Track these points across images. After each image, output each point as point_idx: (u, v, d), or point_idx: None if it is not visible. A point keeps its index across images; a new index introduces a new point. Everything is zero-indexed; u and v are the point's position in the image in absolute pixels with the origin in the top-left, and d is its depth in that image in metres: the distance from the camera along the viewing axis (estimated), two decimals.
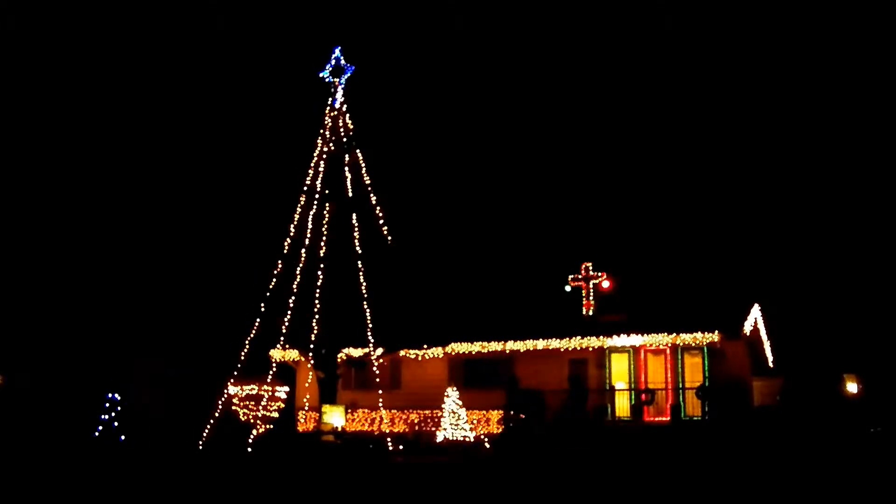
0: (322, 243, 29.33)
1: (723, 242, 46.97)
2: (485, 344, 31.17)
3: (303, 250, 29.50)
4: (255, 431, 28.28)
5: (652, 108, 64.85)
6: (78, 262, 46.28)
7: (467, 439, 27.80)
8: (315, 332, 28.49)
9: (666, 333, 28.98)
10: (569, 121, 60.73)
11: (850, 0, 57.12)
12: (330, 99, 31.25)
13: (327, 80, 31.32)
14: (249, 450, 27.45)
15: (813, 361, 35.75)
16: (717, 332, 28.30)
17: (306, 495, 18.12)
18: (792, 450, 23.58)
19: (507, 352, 30.92)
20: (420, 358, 31.44)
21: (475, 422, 29.44)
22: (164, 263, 46.21)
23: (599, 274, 32.79)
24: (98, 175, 51.75)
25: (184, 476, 21.41)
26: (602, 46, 64.34)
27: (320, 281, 28.74)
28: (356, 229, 29.60)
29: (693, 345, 28.87)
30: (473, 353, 31.38)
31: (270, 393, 28.58)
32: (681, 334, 28.81)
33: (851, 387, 29.79)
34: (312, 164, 30.65)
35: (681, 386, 28.84)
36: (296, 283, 29.08)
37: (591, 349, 29.88)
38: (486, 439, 28.25)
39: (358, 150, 30.80)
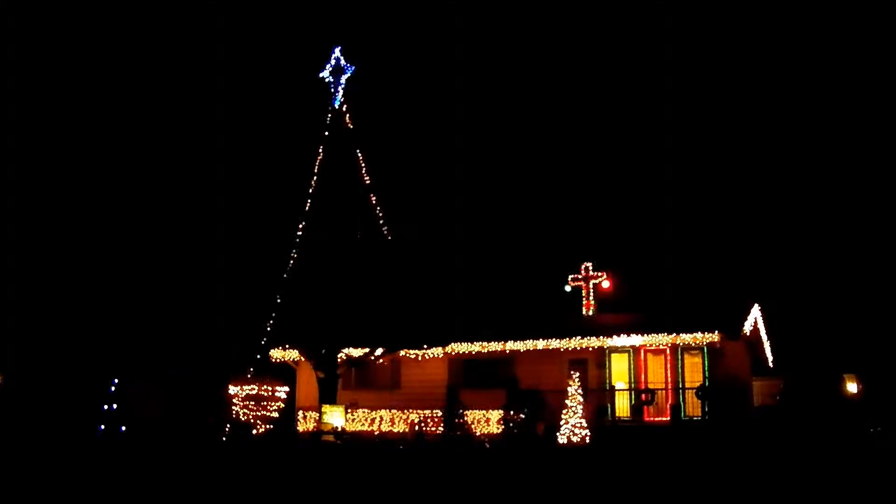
0: (323, 243, 29.33)
1: (723, 242, 47.01)
2: (485, 344, 31.16)
3: (303, 250, 29.50)
4: (254, 431, 28.30)
5: (652, 108, 64.89)
6: (78, 262, 46.29)
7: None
8: (315, 332, 28.49)
9: (666, 333, 28.97)
10: (569, 121, 60.74)
11: (850, 0, 57.13)
12: (330, 99, 31.27)
13: (327, 80, 31.34)
14: (249, 450, 27.45)
15: (813, 361, 35.76)
16: (717, 332, 28.29)
17: (306, 495, 18.12)
18: (792, 450, 23.58)
19: (507, 352, 30.91)
20: (420, 358, 31.43)
21: (475, 421, 29.42)
22: (165, 263, 46.22)
23: (599, 274, 32.78)
24: (98, 175, 51.77)
25: (184, 476, 21.41)
26: (602, 46, 64.34)
27: (320, 281, 28.74)
28: (356, 229, 29.60)
29: (693, 345, 28.87)
30: (473, 353, 31.37)
31: (270, 393, 28.59)
32: (681, 334, 28.80)
33: (851, 387, 29.81)
34: (313, 165, 30.65)
35: (681, 386, 28.84)
36: (295, 283, 29.08)
37: (591, 349, 29.88)
38: (486, 440, 28.29)
39: (358, 150, 30.81)
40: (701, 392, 27.51)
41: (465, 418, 28.41)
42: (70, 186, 50.99)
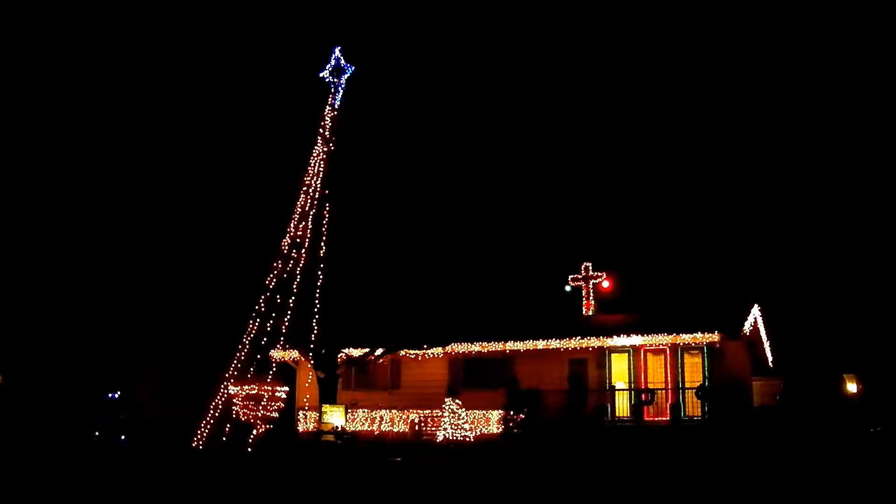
0: (322, 243, 29.33)
1: (722, 243, 47.02)
2: (485, 344, 31.15)
3: (303, 250, 29.50)
4: (255, 431, 28.30)
5: (652, 108, 64.88)
6: (78, 262, 46.29)
7: (467, 439, 27.83)
8: (315, 332, 28.49)
9: (666, 333, 28.96)
10: (569, 121, 60.74)
11: (850, 0, 57.13)
12: (330, 99, 31.26)
13: (327, 80, 31.34)
14: (249, 450, 27.45)
15: (813, 361, 35.77)
16: (717, 332, 28.27)
17: (306, 495, 18.13)
18: (792, 450, 23.58)
19: (507, 352, 30.91)
20: (420, 358, 31.43)
21: (475, 421, 29.41)
22: (165, 263, 46.23)
23: (599, 274, 32.79)
24: (98, 175, 51.78)
25: (184, 476, 21.41)
26: (602, 46, 64.36)
27: (320, 281, 28.74)
28: (356, 229, 29.60)
29: (693, 345, 28.85)
30: (473, 353, 31.36)
31: (270, 393, 28.59)
32: (681, 334, 28.78)
33: (851, 387, 29.80)
34: (312, 165, 30.66)
35: (681, 386, 28.82)
36: (296, 283, 29.08)
37: (591, 349, 29.87)
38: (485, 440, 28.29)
39: (358, 150, 30.81)
40: (701, 392, 27.50)
41: (465, 418, 28.40)
42: (70, 186, 51.00)
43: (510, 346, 30.77)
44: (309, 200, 30.26)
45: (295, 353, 31.68)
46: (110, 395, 31.21)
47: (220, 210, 47.77)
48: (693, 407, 28.11)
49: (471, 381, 31.03)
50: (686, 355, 29.18)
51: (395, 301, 29.30)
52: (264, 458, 21.97)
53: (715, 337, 28.28)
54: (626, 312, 31.34)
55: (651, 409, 28.54)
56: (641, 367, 29.76)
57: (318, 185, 30.32)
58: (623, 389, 29.49)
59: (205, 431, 28.91)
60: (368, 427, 30.37)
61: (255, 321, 29.25)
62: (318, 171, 30.53)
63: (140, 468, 22.98)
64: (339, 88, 31.21)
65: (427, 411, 29.87)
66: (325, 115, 31.18)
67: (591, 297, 32.68)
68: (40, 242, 47.04)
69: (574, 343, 29.86)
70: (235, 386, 28.57)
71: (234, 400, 28.55)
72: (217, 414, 29.04)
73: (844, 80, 58.45)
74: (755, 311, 30.45)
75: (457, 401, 28.29)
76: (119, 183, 51.92)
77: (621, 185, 54.19)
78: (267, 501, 17.16)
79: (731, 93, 62.61)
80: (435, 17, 68.84)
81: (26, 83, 57.26)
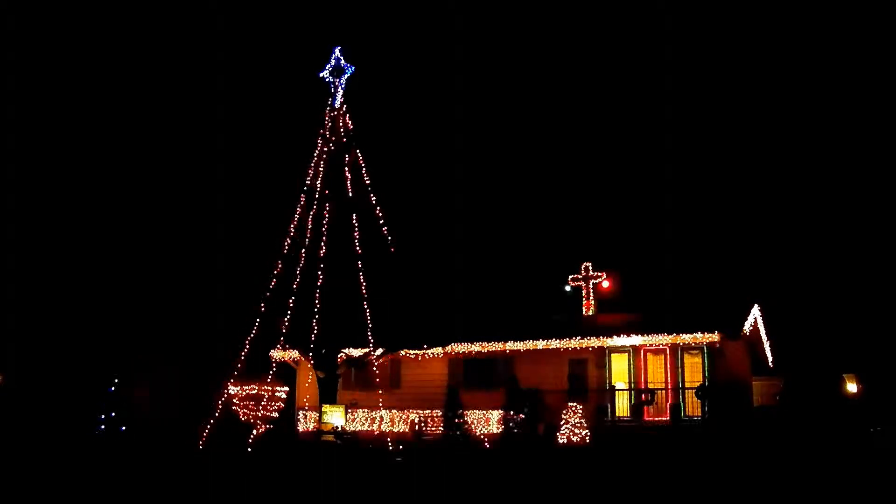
0: (322, 243, 29.33)
1: (722, 243, 47.03)
2: (485, 344, 31.17)
3: (303, 250, 29.50)
4: (255, 431, 28.29)
5: (652, 108, 64.90)
6: (78, 261, 46.30)
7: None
8: (315, 332, 28.49)
9: (666, 333, 28.98)
10: (569, 121, 60.75)
11: (850, 0, 57.14)
12: (330, 99, 31.26)
13: (327, 80, 31.33)
14: (249, 450, 27.45)
15: (813, 361, 35.77)
16: (716, 332, 28.29)
17: (306, 495, 18.13)
18: (792, 450, 23.58)
19: (507, 352, 30.93)
20: (420, 358, 31.45)
21: (475, 421, 29.42)
22: (165, 263, 46.23)
23: (599, 274, 32.79)
24: (98, 175, 51.78)
25: (184, 476, 21.41)
26: (602, 46, 64.36)
27: (320, 281, 28.74)
28: (356, 229, 29.60)
29: (693, 345, 28.88)
30: (473, 353, 31.38)
31: (270, 393, 28.59)
32: (681, 334, 28.81)
33: (851, 387, 29.81)
34: (312, 165, 30.66)
35: (681, 386, 28.84)
36: (296, 283, 29.08)
37: (591, 349, 29.89)
38: (485, 439, 28.30)
39: (358, 150, 30.81)
40: (701, 392, 27.51)
41: (465, 418, 28.42)
42: (71, 186, 51.01)
43: (510, 346, 30.79)
44: (309, 200, 30.23)
45: (295, 353, 31.68)
46: (109, 395, 31.19)
47: (220, 210, 47.77)
48: (693, 407, 28.13)
49: (471, 381, 31.05)
50: (686, 355, 29.20)
51: (395, 301, 29.29)
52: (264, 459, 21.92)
53: (715, 337, 28.29)
54: (626, 312, 31.34)
55: (651, 409, 28.57)
56: (641, 367, 29.78)
57: (319, 185, 30.30)
58: (623, 389, 29.50)
59: (205, 431, 28.89)
60: (368, 427, 30.37)
61: (255, 321, 29.24)
62: (319, 170, 30.51)
63: (140, 467, 22.97)
64: (340, 88, 31.20)
65: (427, 411, 29.89)
66: (325, 115, 31.17)
67: (591, 297, 32.68)
68: (40, 242, 47.07)
69: (574, 343, 29.88)
70: (235, 386, 28.56)
71: (234, 400, 28.54)
72: (217, 414, 29.04)
73: (844, 80, 58.48)
74: (755, 311, 30.47)
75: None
76: (119, 183, 51.93)
77: (621, 185, 54.23)
78: (267, 501, 17.15)
79: (731, 93, 62.64)
80: (435, 17, 68.87)
81: (26, 83, 57.28)
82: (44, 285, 45.12)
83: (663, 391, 28.95)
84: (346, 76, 31.19)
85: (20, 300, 43.09)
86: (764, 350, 33.23)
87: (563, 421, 27.05)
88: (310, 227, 29.79)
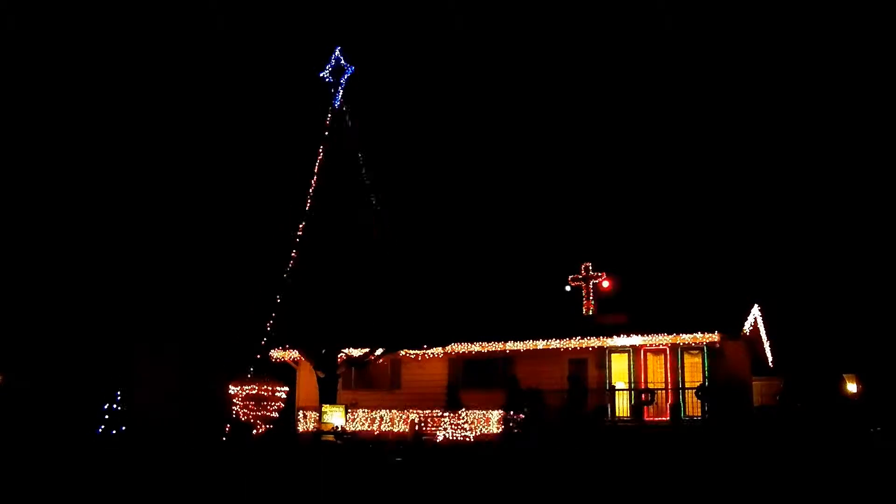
0: (323, 243, 29.33)
1: (722, 242, 47.01)
2: (485, 344, 31.17)
3: (303, 250, 29.50)
4: (255, 431, 28.30)
5: (652, 108, 64.86)
6: (79, 261, 46.29)
7: (467, 439, 27.84)
8: (315, 332, 28.49)
9: (666, 333, 28.96)
10: (569, 121, 60.74)
11: (850, 0, 57.14)
12: (330, 99, 31.26)
13: (328, 80, 31.33)
14: (249, 450, 27.46)
15: (813, 361, 35.78)
16: (717, 332, 28.28)
17: (306, 495, 18.14)
18: (792, 450, 23.59)
19: (507, 352, 30.92)
20: (420, 358, 31.44)
21: (475, 421, 29.42)
22: (166, 263, 46.22)
23: (599, 274, 32.78)
24: (99, 175, 51.77)
25: (183, 476, 21.42)
26: (602, 46, 64.35)
27: (321, 281, 28.74)
28: (357, 229, 29.60)
29: (693, 345, 28.87)
30: (473, 353, 31.38)
31: (270, 393, 28.60)
32: (681, 334, 28.79)
33: (851, 387, 29.81)
34: (314, 164, 30.66)
35: (681, 386, 28.84)
36: (296, 283, 29.08)
37: (591, 349, 29.89)
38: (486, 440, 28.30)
39: (358, 150, 30.82)
40: (701, 392, 27.52)
41: (465, 418, 28.43)
42: (71, 186, 51.00)
43: (510, 346, 30.79)
44: (309, 200, 30.24)
45: (295, 353, 31.68)
46: (109, 395, 31.22)
47: (220, 210, 47.78)
48: (693, 407, 28.12)
49: (471, 381, 31.05)
50: (686, 355, 29.19)
51: (395, 301, 29.31)
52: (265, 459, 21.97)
53: (715, 337, 28.29)
54: (626, 312, 31.32)
55: (651, 409, 28.56)
56: (641, 367, 29.77)
57: (319, 185, 30.30)
58: (623, 389, 29.49)
59: (205, 431, 28.91)
60: (368, 427, 30.38)
61: (256, 321, 29.26)
62: (319, 170, 30.51)
63: (140, 467, 22.97)
64: (340, 88, 31.20)
65: (427, 411, 29.89)
66: (325, 115, 31.17)
67: (591, 297, 32.68)
68: (41, 242, 47.06)
69: (574, 343, 29.88)
70: (235, 386, 28.57)
71: (234, 400, 28.55)
72: (217, 414, 29.06)
73: (844, 80, 58.48)
74: (755, 311, 30.47)
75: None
76: (119, 183, 51.92)
77: (621, 185, 54.20)
78: (267, 501, 17.17)
79: (731, 93, 62.63)
80: (435, 17, 68.86)
81: (26, 83, 57.27)
82: (44, 285, 45.11)
83: (663, 391, 28.95)
84: (346, 76, 31.21)
85: (20, 300, 43.10)
86: (764, 350, 33.22)
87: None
88: (310, 227, 29.79)
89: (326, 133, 30.92)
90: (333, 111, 31.13)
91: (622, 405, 29.26)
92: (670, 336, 28.90)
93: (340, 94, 31.21)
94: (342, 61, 31.28)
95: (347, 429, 28.49)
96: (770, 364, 34.14)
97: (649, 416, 28.56)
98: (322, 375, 29.41)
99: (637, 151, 58.67)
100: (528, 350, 30.58)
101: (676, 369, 29.14)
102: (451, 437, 27.87)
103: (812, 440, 24.99)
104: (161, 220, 49.23)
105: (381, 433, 28.99)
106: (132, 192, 51.11)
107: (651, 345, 29.44)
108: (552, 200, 54.50)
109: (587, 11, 64.32)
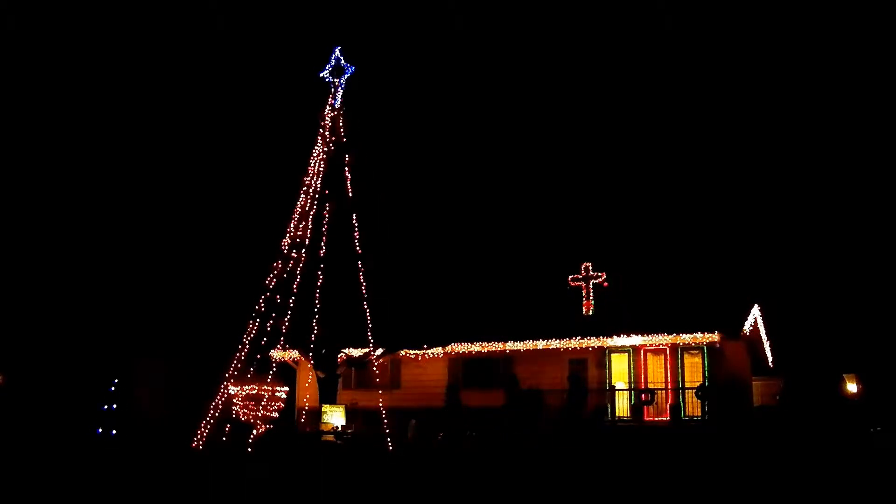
0: (322, 243, 29.31)
1: (722, 242, 47.03)
2: (485, 344, 31.16)
3: (303, 250, 29.48)
4: (255, 431, 28.27)
5: (652, 108, 64.87)
6: (78, 262, 46.30)
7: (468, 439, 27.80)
8: (315, 332, 28.47)
9: (666, 333, 28.97)
10: (569, 121, 60.74)
11: (850, 0, 57.14)
12: (330, 99, 31.24)
13: (327, 80, 31.31)
14: (249, 450, 27.43)
15: (813, 361, 35.78)
16: (716, 332, 28.28)
17: (306, 495, 18.13)
18: (792, 450, 23.58)
19: (507, 352, 30.92)
20: (420, 358, 31.43)
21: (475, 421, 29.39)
22: (165, 264, 46.24)
23: (599, 274, 32.78)
24: (98, 175, 51.78)
25: (183, 476, 21.41)
26: (602, 46, 64.36)
27: (320, 281, 28.72)
28: (356, 229, 29.59)
29: (693, 345, 28.87)
30: (473, 353, 31.37)
31: (270, 393, 28.57)
32: (681, 334, 28.80)
33: (851, 387, 29.80)
34: (312, 165, 30.65)
35: (681, 386, 28.83)
36: (296, 283, 29.06)
37: (591, 349, 29.88)
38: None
39: (358, 150, 30.82)
40: (701, 392, 27.51)
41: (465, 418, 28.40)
42: (72, 187, 51.01)
43: (510, 346, 30.78)
44: (309, 200, 30.22)
45: (295, 353, 31.66)
46: (109, 394, 31.23)
47: (220, 210, 47.80)
48: (693, 407, 28.12)
49: (471, 382, 31.03)
50: (686, 355, 29.19)
51: (394, 301, 29.30)
52: (265, 460, 21.95)
53: (715, 337, 28.28)
54: (625, 312, 31.31)
55: (651, 409, 28.55)
56: (641, 367, 29.77)
57: (319, 185, 30.29)
58: (623, 389, 29.49)
59: (205, 431, 28.88)
60: (368, 427, 30.32)
61: (255, 321, 29.22)
62: (319, 170, 30.49)
63: (140, 468, 22.96)
64: (340, 88, 31.18)
65: (427, 411, 29.83)
66: (325, 115, 31.15)
67: (590, 297, 32.67)
68: (41, 242, 47.06)
69: (574, 343, 29.88)
70: (235, 386, 28.54)
71: (234, 400, 28.52)
72: (217, 414, 29.02)
73: (844, 80, 58.49)
74: (755, 311, 30.46)
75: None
76: (120, 183, 51.93)
77: (621, 184, 54.23)
78: (267, 501, 17.16)
79: (731, 93, 62.63)
80: (435, 17, 68.86)
81: (26, 83, 57.26)
82: (44, 285, 45.12)
83: (663, 391, 28.95)
84: (345, 76, 31.19)
85: (20, 300, 43.10)
86: (764, 350, 33.21)
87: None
88: (310, 227, 29.77)
89: (326, 133, 30.87)
90: (333, 111, 31.08)
91: (622, 405, 29.25)
92: (670, 336, 28.91)
93: (340, 94, 31.19)
94: (342, 61, 31.26)
95: (347, 429, 28.47)
96: (770, 364, 34.13)
97: (649, 416, 28.55)
98: (322, 375, 29.39)
99: (637, 151, 58.72)
100: (528, 350, 30.58)
101: (676, 369, 29.14)
102: (451, 437, 27.82)
103: (812, 440, 24.99)
104: (162, 221, 49.26)
105: (382, 433, 28.94)
106: (133, 192, 51.13)
107: (651, 345, 29.44)
108: (552, 201, 54.55)
109: (587, 11, 64.34)
